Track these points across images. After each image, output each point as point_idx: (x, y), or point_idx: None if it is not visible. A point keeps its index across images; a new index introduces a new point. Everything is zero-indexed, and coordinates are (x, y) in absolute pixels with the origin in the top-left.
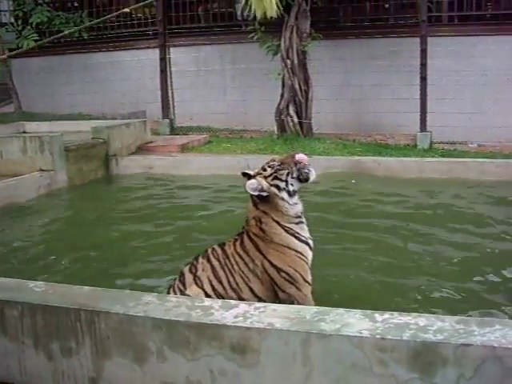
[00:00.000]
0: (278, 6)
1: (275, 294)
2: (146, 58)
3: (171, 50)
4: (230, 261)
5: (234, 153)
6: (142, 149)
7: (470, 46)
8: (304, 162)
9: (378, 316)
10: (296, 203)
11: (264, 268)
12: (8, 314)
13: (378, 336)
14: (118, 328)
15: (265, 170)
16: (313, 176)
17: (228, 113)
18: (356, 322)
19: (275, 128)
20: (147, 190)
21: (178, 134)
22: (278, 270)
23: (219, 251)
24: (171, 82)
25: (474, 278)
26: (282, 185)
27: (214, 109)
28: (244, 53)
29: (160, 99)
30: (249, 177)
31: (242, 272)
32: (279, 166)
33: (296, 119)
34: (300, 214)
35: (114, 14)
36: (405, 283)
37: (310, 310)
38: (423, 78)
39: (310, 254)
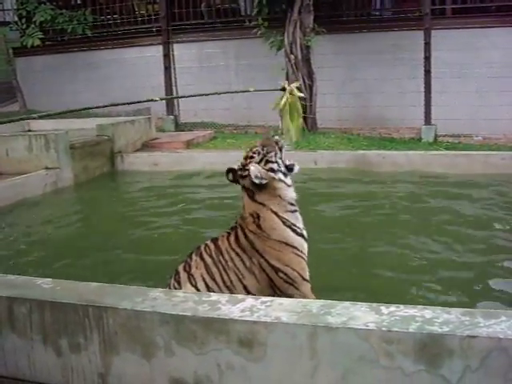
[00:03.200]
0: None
1: (271, 293)
2: (149, 55)
3: (175, 46)
4: (223, 257)
5: (239, 148)
6: (147, 145)
7: (475, 38)
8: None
9: (383, 309)
10: (291, 185)
11: (261, 267)
12: (17, 310)
13: (384, 328)
14: (126, 323)
15: (252, 157)
16: (286, 144)
17: (232, 108)
18: (362, 315)
19: (279, 123)
20: (151, 186)
21: (182, 131)
22: (276, 270)
23: (212, 247)
24: (175, 78)
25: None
26: (275, 166)
27: (218, 105)
28: (247, 48)
29: (164, 96)
30: (233, 172)
31: (237, 269)
32: (265, 150)
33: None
34: (294, 202)
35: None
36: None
37: (316, 304)
38: (427, 71)
39: (305, 247)
